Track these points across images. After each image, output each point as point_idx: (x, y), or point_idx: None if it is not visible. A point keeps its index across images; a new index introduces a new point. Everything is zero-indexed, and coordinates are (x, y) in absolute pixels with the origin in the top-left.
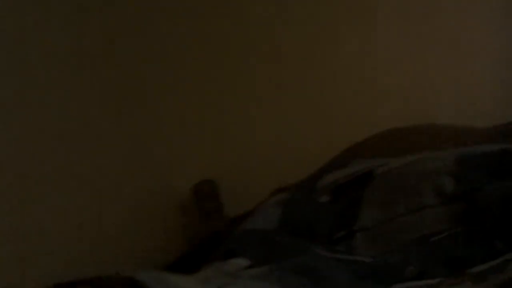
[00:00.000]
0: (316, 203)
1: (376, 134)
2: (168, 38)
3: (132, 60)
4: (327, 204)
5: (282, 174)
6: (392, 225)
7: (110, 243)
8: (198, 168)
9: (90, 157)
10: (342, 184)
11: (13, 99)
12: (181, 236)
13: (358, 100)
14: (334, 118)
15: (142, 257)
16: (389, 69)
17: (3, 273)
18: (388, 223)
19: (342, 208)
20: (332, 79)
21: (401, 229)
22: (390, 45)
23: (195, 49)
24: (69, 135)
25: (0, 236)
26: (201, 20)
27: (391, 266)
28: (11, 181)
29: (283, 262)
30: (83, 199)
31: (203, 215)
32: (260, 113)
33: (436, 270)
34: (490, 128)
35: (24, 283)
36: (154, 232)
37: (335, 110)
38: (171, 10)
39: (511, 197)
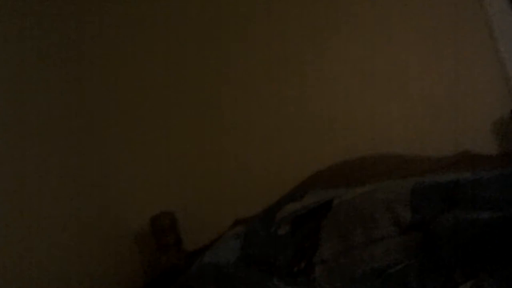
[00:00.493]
0: (275, 235)
1: (330, 165)
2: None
3: (84, 92)
4: (286, 236)
5: (240, 207)
6: (350, 257)
7: (67, 276)
8: (156, 201)
9: (46, 190)
10: (301, 215)
11: None
12: (139, 270)
13: (310, 134)
14: (288, 152)
15: None
16: (336, 103)
17: None
18: (346, 255)
19: (301, 240)
20: (284, 116)
21: (359, 261)
22: (338, 79)
23: (150, 79)
24: (22, 169)
25: None
26: (153, 48)
27: None
28: None
29: None
30: (38, 233)
31: (161, 248)
32: (217, 147)
33: None
34: (440, 157)
35: None
36: (112, 265)
37: (289, 144)
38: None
39: (462, 226)
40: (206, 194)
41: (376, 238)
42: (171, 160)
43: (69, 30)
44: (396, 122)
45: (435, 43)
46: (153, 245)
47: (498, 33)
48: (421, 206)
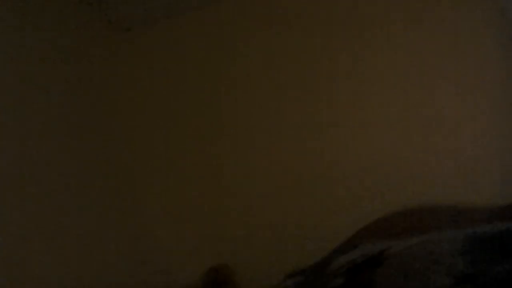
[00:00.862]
0: (328, 286)
1: (382, 217)
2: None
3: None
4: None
5: (294, 258)
6: None
7: None
8: (210, 253)
9: (98, 248)
10: (353, 267)
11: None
12: None
13: (360, 186)
14: (338, 206)
15: None
16: (385, 155)
17: None
18: None
19: None
20: (335, 168)
21: None
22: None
23: (202, 132)
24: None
25: None
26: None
27: None
28: None
29: None
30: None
31: None
32: (272, 199)
33: None
34: (493, 208)
35: None
36: None
37: (339, 197)
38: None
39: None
40: (258, 246)
41: None
42: (224, 212)
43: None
44: (445, 173)
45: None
46: None
47: None
48: (473, 257)
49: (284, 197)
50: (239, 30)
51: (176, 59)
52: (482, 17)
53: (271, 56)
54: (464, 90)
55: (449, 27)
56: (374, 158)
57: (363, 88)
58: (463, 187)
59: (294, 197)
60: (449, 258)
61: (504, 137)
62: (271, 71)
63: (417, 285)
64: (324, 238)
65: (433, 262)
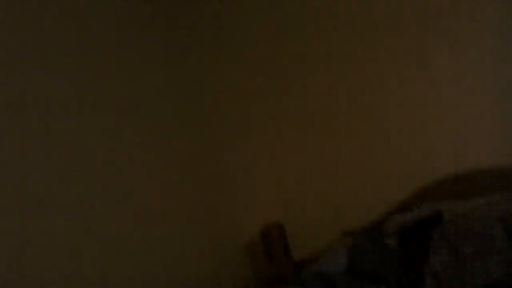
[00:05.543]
0: (383, 246)
1: (439, 179)
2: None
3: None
4: (395, 248)
5: (348, 219)
6: (461, 269)
7: (176, 279)
8: (266, 212)
9: (160, 200)
10: (409, 227)
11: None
12: (249, 278)
13: (419, 147)
14: (396, 166)
15: None
16: (441, 114)
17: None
18: (457, 267)
19: (411, 252)
20: (393, 129)
21: (470, 273)
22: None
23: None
24: (140, 180)
25: None
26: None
27: None
28: None
29: None
30: (153, 241)
31: (271, 258)
32: (327, 158)
33: None
34: None
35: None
36: (222, 274)
37: (397, 158)
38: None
39: None
40: (315, 205)
41: (489, 252)
42: (282, 171)
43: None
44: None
45: None
46: (263, 254)
47: None
48: None
49: (342, 162)
50: None
51: None
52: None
53: None
54: None
55: None
56: (435, 119)
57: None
58: None
59: (351, 162)
60: (510, 221)
61: None
62: None
63: (475, 246)
64: (381, 198)
65: (493, 225)
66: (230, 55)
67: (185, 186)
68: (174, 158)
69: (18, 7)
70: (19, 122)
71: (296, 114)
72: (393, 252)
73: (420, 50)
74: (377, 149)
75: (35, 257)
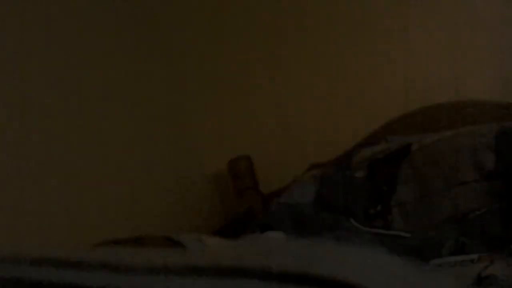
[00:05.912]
0: (351, 178)
1: (410, 111)
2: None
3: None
4: (363, 180)
5: (316, 152)
6: (429, 201)
7: (147, 220)
8: (233, 144)
9: (129, 137)
10: (378, 160)
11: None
12: (216, 212)
13: (386, 80)
14: (364, 99)
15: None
16: (411, 47)
17: None
18: (425, 199)
19: (378, 183)
20: (359, 62)
21: (438, 205)
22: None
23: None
24: (104, 114)
25: None
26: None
27: (429, 241)
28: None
29: (318, 237)
30: (122, 177)
31: (239, 191)
32: (294, 92)
33: (474, 246)
34: None
35: None
36: (190, 208)
37: (364, 90)
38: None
39: None
40: (282, 138)
41: (457, 184)
42: (248, 104)
43: None
44: (475, 68)
45: None
46: (231, 188)
47: None
48: (506, 152)
49: (310, 93)
50: None
51: None
52: None
53: None
54: None
55: None
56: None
57: None
58: (493, 82)
59: (318, 93)
60: (480, 152)
61: None
62: None
63: (444, 178)
64: (349, 132)
65: (462, 156)
66: None
67: (152, 117)
68: (142, 88)
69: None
70: None
71: (268, 43)
72: (361, 184)
73: None
74: (350, 76)
75: None
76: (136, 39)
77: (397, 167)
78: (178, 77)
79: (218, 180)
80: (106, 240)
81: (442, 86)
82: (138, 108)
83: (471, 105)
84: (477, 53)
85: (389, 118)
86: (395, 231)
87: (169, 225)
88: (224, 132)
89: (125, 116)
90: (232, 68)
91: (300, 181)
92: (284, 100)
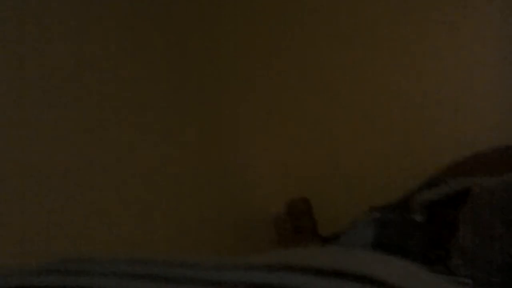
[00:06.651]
0: (411, 221)
1: (466, 155)
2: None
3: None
4: (422, 223)
5: (375, 194)
6: (489, 247)
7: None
8: (292, 186)
9: (184, 181)
10: (437, 202)
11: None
12: None
13: (447, 123)
14: (424, 141)
15: None
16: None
17: None
18: (485, 244)
19: (438, 227)
20: (419, 104)
21: (499, 251)
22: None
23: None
24: (162, 160)
25: None
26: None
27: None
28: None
29: None
30: (181, 216)
31: (297, 232)
32: (352, 135)
33: None
34: None
35: None
36: (249, 249)
37: (425, 133)
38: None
39: None
40: (341, 180)
41: None
42: (307, 145)
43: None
44: None
45: None
46: (289, 229)
47: None
48: None
49: (369, 135)
50: None
51: None
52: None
53: None
54: None
55: None
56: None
57: None
58: None
59: (378, 136)
60: None
61: None
62: None
63: (504, 223)
64: (409, 174)
65: None
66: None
67: (211, 163)
68: (201, 131)
69: (18, 6)
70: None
71: (322, 92)
72: (421, 227)
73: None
74: (410, 120)
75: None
76: (187, 88)
77: (457, 211)
78: (233, 120)
79: (277, 221)
80: None
81: None
82: (196, 153)
83: None
84: None
85: (451, 160)
86: (456, 277)
87: None
88: (284, 172)
89: (182, 161)
90: (288, 112)
91: (358, 224)
92: (341, 141)
